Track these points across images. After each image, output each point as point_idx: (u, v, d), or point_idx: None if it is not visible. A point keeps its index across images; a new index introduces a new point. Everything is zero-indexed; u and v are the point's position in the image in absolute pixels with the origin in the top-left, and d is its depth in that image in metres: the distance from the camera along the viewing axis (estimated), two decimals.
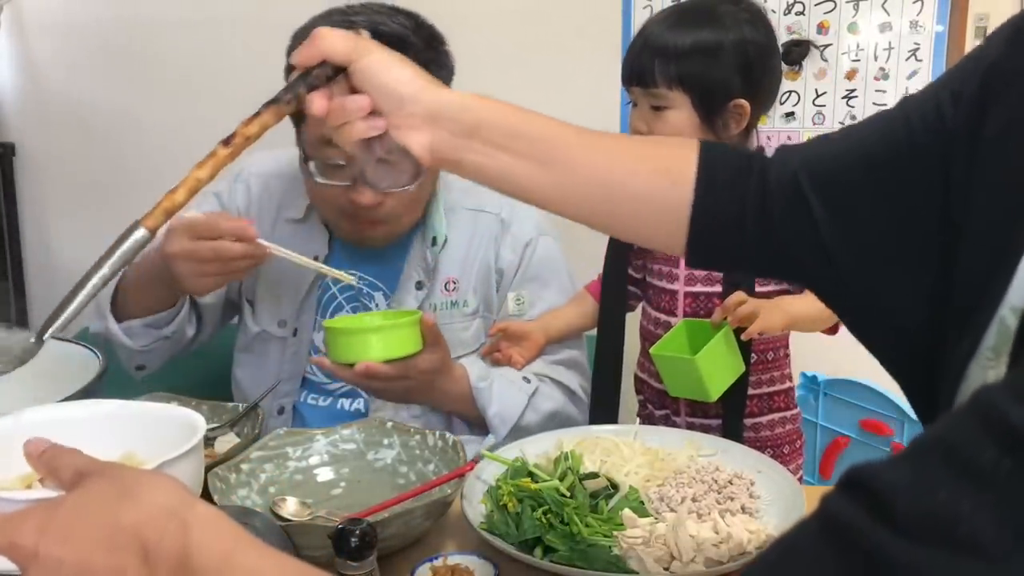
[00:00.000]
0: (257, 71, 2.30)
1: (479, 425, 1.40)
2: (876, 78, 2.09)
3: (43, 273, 2.51)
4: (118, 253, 0.76)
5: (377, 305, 1.47)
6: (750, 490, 1.08)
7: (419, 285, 1.44)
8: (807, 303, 1.32)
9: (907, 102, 0.74)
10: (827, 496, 0.46)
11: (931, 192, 0.69)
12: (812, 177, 0.76)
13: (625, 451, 1.16)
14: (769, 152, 0.83)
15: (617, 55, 2.11)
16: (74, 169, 2.45)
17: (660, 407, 1.51)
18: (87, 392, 1.05)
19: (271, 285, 1.48)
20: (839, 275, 0.75)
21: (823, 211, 0.74)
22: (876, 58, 2.08)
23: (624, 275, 1.52)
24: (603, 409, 1.47)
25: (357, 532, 0.83)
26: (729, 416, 1.41)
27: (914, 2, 2.04)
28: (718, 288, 1.41)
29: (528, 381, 1.42)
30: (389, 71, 0.78)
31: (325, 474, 1.16)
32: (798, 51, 1.63)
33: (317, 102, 0.79)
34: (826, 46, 2.07)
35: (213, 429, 1.25)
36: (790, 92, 2.12)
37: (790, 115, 2.12)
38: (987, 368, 0.62)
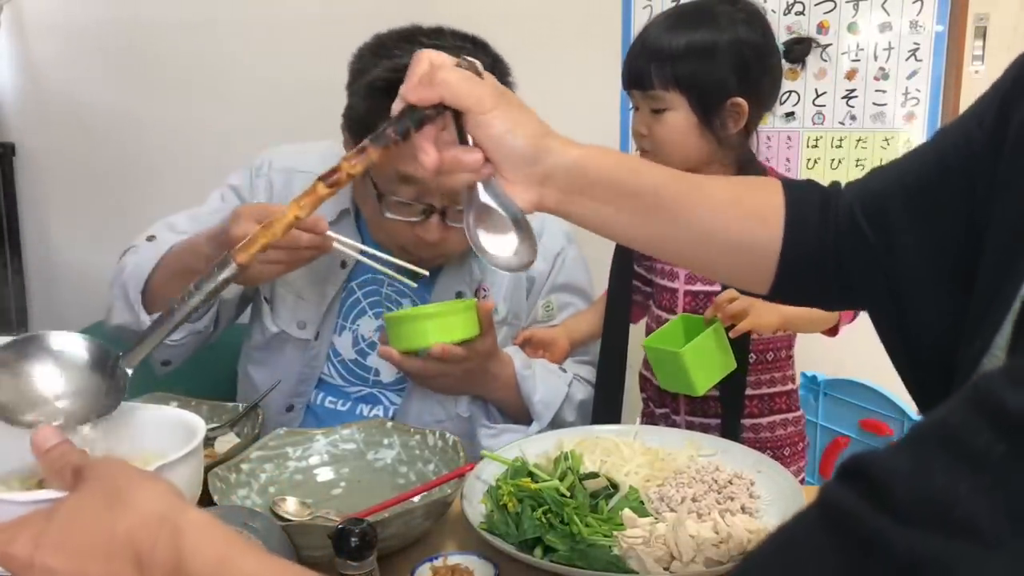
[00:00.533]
0: (257, 71, 2.32)
1: (516, 415, 1.41)
2: (876, 78, 2.09)
3: (43, 273, 2.51)
4: (209, 286, 0.75)
5: None
6: (750, 490, 1.08)
7: (459, 294, 1.45)
8: None
9: (942, 132, 0.77)
10: (826, 485, 0.47)
11: (961, 214, 0.71)
12: (864, 207, 0.78)
13: (625, 451, 1.16)
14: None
15: (617, 55, 2.11)
16: (74, 169, 2.45)
17: (660, 405, 1.52)
18: None
19: (291, 285, 1.46)
20: (898, 302, 0.76)
21: (875, 239, 0.77)
22: (876, 58, 2.08)
23: (629, 274, 1.53)
24: (607, 408, 1.48)
25: (357, 532, 0.83)
26: (727, 416, 1.41)
27: (914, 2, 2.04)
28: (717, 288, 1.41)
29: (565, 371, 1.46)
30: (512, 131, 0.75)
31: (325, 474, 1.16)
32: (800, 49, 1.64)
33: (429, 153, 0.74)
34: (826, 46, 2.07)
35: (213, 429, 1.25)
36: (790, 92, 2.11)
37: (790, 115, 2.12)
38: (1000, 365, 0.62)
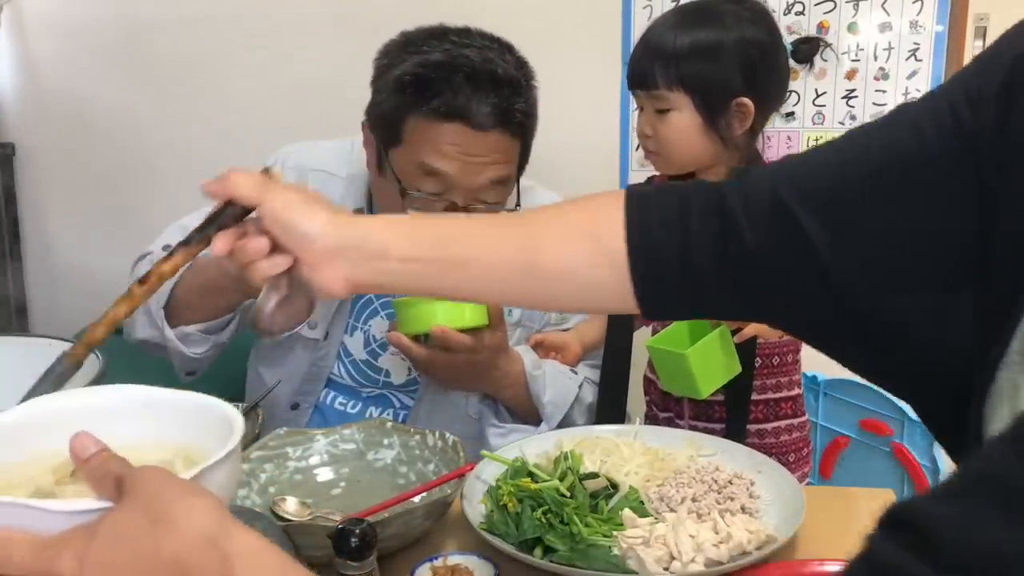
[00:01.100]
0: (257, 69, 2.32)
1: (525, 416, 1.41)
2: (876, 78, 2.08)
3: (43, 273, 2.51)
4: (50, 380, 0.80)
5: None
6: (750, 490, 1.08)
7: None
8: None
9: (907, 110, 0.70)
10: (872, 537, 0.45)
11: (961, 202, 0.64)
12: (801, 195, 0.69)
13: (625, 451, 1.16)
14: (766, 154, 0.80)
15: (617, 55, 2.11)
16: (74, 169, 2.45)
17: (664, 409, 1.51)
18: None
19: None
20: (841, 304, 0.68)
21: (823, 233, 0.68)
22: (876, 58, 2.08)
23: None
24: (610, 410, 1.47)
25: (357, 532, 0.83)
26: (732, 421, 1.40)
27: (914, 2, 2.04)
28: None
29: (576, 373, 1.46)
30: (292, 211, 0.77)
31: (325, 474, 1.16)
32: (807, 48, 1.62)
33: (219, 243, 0.78)
34: (827, 45, 2.07)
35: None
36: (790, 92, 2.10)
37: (790, 115, 2.12)
38: (1017, 373, 0.59)
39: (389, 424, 1.20)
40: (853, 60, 2.09)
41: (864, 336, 0.69)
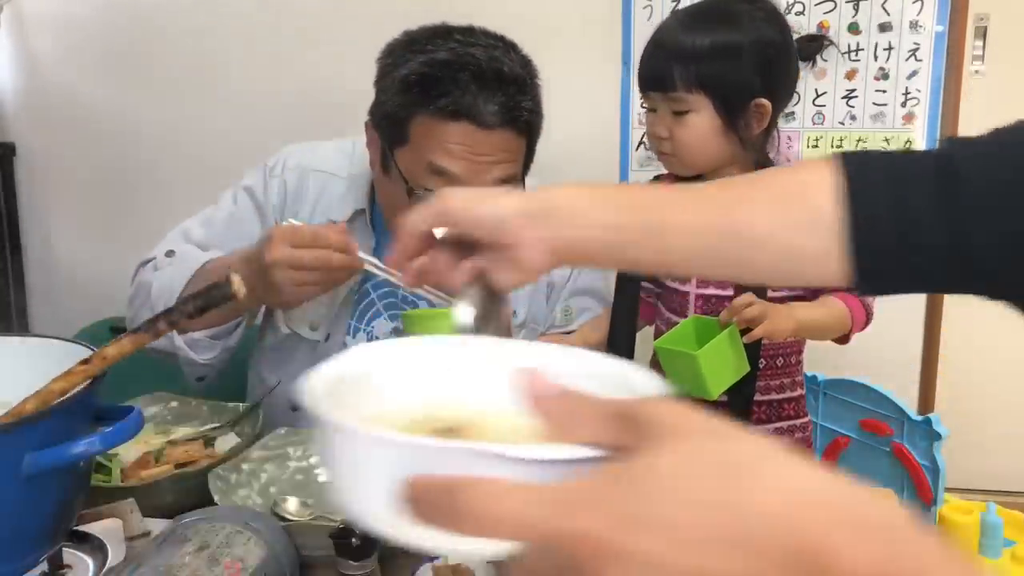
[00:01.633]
0: (257, 70, 2.32)
1: None
2: (876, 78, 2.09)
3: (43, 273, 2.51)
4: None
5: None
6: None
7: None
8: (819, 310, 1.30)
9: None
10: None
11: None
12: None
13: None
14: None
15: (617, 55, 2.11)
16: (74, 169, 2.45)
17: None
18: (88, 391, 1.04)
19: None
20: None
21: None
22: (876, 58, 2.08)
23: (637, 275, 1.51)
24: None
25: (358, 532, 0.83)
26: (735, 422, 1.39)
27: (914, 2, 2.04)
28: (730, 291, 1.39)
29: None
30: (475, 203, 0.73)
31: (326, 474, 1.16)
32: (812, 47, 1.62)
33: (407, 278, 0.74)
34: (830, 43, 2.08)
35: (213, 429, 1.25)
36: None
37: (790, 115, 2.12)
38: None
39: None
40: (853, 60, 2.09)
41: None
